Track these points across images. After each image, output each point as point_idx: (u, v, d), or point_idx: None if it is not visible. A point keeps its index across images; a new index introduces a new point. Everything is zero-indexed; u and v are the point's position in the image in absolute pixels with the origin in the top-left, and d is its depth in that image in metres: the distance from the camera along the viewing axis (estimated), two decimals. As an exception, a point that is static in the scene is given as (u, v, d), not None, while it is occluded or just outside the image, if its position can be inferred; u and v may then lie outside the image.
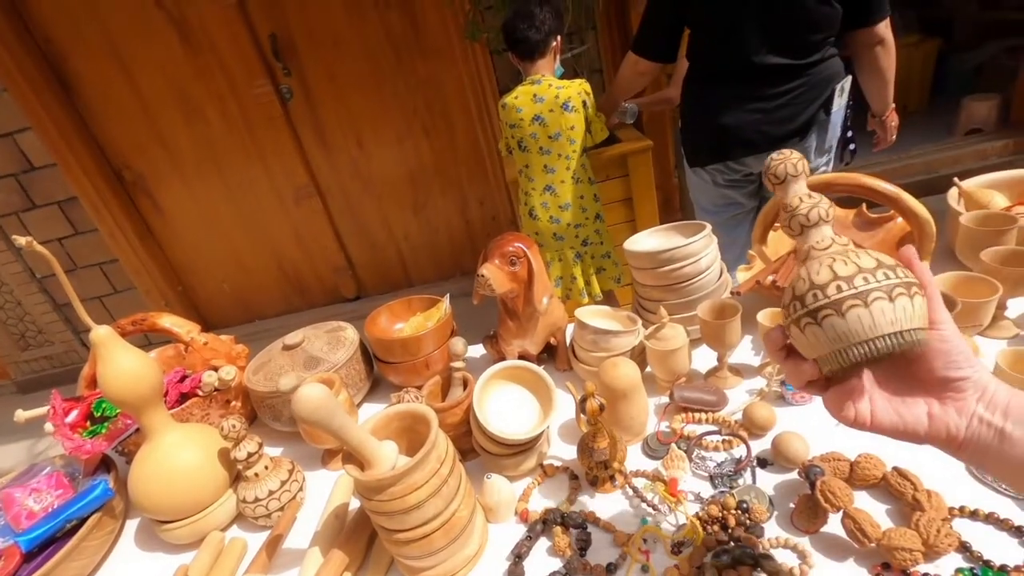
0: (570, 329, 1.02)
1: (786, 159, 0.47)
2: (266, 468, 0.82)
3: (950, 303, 0.75)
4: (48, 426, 0.87)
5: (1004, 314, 0.85)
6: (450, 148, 2.89)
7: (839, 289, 0.38)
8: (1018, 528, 0.59)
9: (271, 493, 0.81)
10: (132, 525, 0.91)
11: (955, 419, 0.39)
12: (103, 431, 0.90)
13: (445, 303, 1.07)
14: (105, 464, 0.93)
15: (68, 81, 2.62)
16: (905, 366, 0.42)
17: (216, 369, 0.96)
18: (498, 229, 3.09)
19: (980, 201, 0.98)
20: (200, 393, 0.95)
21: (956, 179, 1.04)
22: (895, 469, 0.65)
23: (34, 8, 2.47)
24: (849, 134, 1.62)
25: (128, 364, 0.74)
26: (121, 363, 0.74)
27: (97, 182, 2.72)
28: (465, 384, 0.87)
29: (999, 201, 0.97)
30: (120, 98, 2.66)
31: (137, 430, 0.90)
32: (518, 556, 0.69)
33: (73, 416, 0.89)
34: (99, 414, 0.92)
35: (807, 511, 0.65)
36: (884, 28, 1.42)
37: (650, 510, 0.72)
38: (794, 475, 0.71)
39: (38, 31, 2.51)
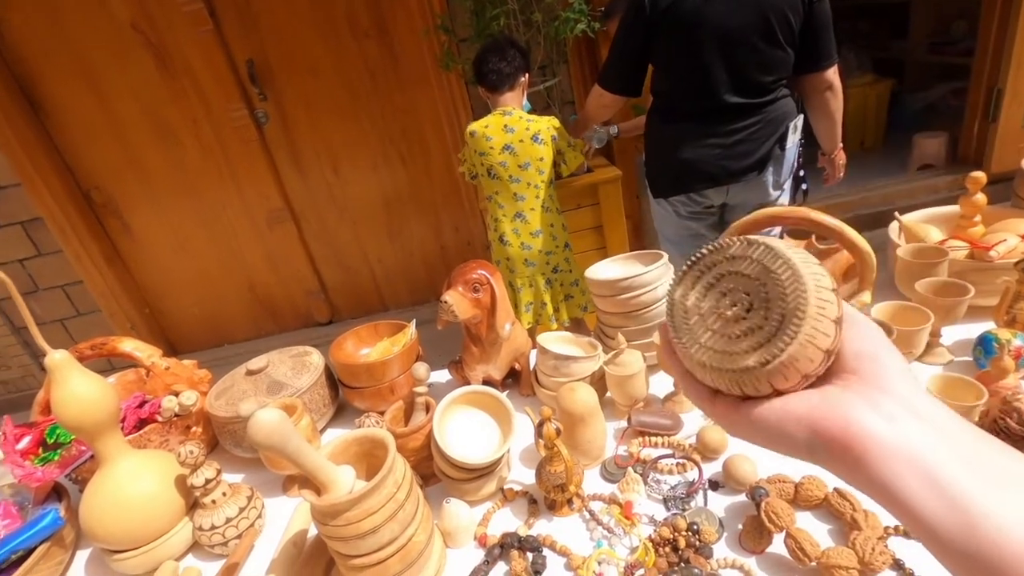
0: (534, 355, 1.04)
1: None
2: (224, 495, 0.82)
3: (886, 330, 0.79)
4: (-2, 453, 0.85)
5: (939, 341, 0.90)
6: (425, 175, 2.92)
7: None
8: (947, 546, 0.62)
9: (228, 520, 0.80)
10: (83, 556, 0.88)
11: (857, 409, 0.26)
12: (56, 458, 0.88)
13: (411, 328, 1.08)
14: (57, 492, 0.91)
15: (39, 102, 2.59)
16: None
17: (177, 394, 0.95)
18: (473, 254, 3.12)
19: (917, 235, 1.04)
20: (159, 419, 0.94)
21: (897, 214, 1.11)
22: (836, 490, 0.69)
23: (6, 30, 2.45)
24: (801, 173, 1.71)
25: (83, 389, 0.74)
26: (76, 388, 0.73)
27: (64, 203, 2.67)
28: (428, 409, 0.88)
29: (935, 235, 1.04)
30: (92, 120, 2.64)
31: (91, 457, 0.88)
32: (475, 581, 0.69)
33: (25, 443, 0.88)
34: (52, 441, 0.90)
35: (753, 532, 0.67)
36: (832, 74, 1.51)
37: (606, 533, 0.73)
38: (743, 497, 0.74)
39: (9, 52, 2.49)
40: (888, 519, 0.66)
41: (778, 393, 0.30)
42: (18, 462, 0.83)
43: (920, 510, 0.23)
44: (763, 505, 0.66)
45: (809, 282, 0.28)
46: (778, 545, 0.66)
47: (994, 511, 0.22)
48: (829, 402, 0.27)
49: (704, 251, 0.32)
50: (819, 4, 1.42)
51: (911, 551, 0.63)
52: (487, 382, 1.01)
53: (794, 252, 0.30)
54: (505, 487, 0.83)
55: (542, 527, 0.77)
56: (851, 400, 0.27)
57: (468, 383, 1.00)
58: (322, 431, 1.04)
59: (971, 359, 0.87)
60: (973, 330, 0.88)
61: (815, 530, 0.66)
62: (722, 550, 0.68)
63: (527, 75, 1.83)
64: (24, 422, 0.93)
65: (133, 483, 0.79)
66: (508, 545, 0.72)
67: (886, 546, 0.61)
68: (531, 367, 1.03)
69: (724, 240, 0.32)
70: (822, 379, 0.29)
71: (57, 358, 0.73)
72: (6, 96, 2.48)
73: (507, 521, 0.79)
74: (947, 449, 0.24)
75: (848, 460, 0.26)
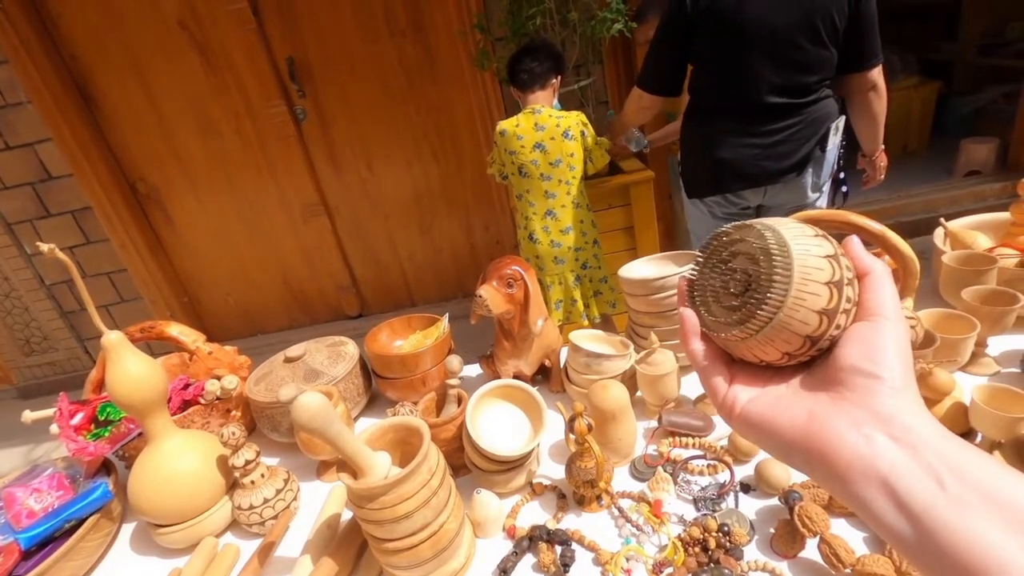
0: (565, 352, 1.05)
1: None
2: (262, 476, 0.85)
3: (930, 339, 0.77)
4: (54, 427, 0.90)
5: (985, 351, 0.87)
6: (457, 173, 2.95)
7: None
8: (990, 559, 0.61)
9: (266, 501, 0.83)
10: (128, 529, 0.92)
11: (840, 428, 0.28)
12: (106, 435, 0.92)
13: (444, 322, 1.10)
14: (106, 467, 0.96)
15: (90, 96, 2.71)
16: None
17: (219, 378, 0.99)
18: (501, 252, 3.14)
19: (964, 241, 1.01)
20: (202, 401, 0.97)
21: (942, 219, 1.08)
22: (872, 498, 0.67)
23: (62, 26, 2.57)
24: (841, 176, 1.67)
25: (136, 369, 0.77)
26: (130, 368, 0.77)
27: (111, 193, 2.79)
28: (459, 401, 0.89)
29: (982, 242, 1.01)
30: (139, 113, 2.75)
31: (139, 434, 0.92)
32: (503, 571, 0.70)
33: (78, 419, 0.92)
34: (103, 418, 0.95)
35: (786, 536, 0.67)
36: (877, 74, 1.48)
37: (634, 530, 0.73)
38: (775, 501, 0.73)
39: (65, 48, 2.61)
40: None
41: (763, 364, 0.34)
42: (72, 437, 0.88)
43: (889, 527, 0.26)
44: (797, 509, 0.65)
45: (795, 260, 0.30)
46: (811, 551, 0.66)
47: (956, 528, 0.24)
48: (818, 416, 0.30)
49: (712, 237, 0.36)
50: (866, 3, 1.39)
51: (951, 563, 0.61)
52: (518, 377, 1.02)
53: (788, 228, 0.32)
54: (534, 481, 0.84)
55: (570, 522, 0.77)
56: (836, 418, 0.29)
57: (499, 377, 1.01)
58: (355, 419, 1.07)
59: (1019, 371, 0.84)
60: (1022, 341, 0.85)
61: (850, 537, 0.65)
62: (753, 553, 0.68)
63: (559, 77, 1.84)
64: (77, 399, 0.97)
65: (178, 460, 0.82)
66: (537, 537, 0.73)
67: (925, 556, 0.60)
68: (561, 364, 1.03)
69: (728, 226, 0.35)
70: (822, 378, 0.31)
71: (113, 338, 0.77)
72: (61, 91, 2.59)
73: (535, 514, 0.80)
74: (919, 469, 0.26)
75: (829, 473, 0.28)
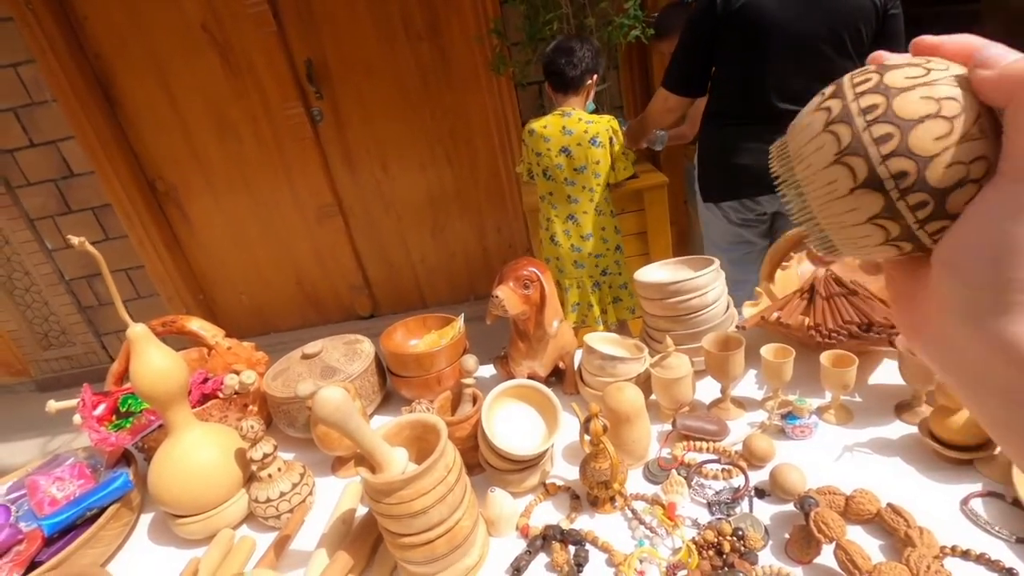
0: (579, 354, 1.05)
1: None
2: (279, 470, 0.86)
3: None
4: (77, 417, 0.92)
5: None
6: (471, 176, 2.97)
7: None
8: (1009, 570, 0.60)
9: (282, 495, 0.84)
10: (146, 519, 0.94)
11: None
12: (127, 425, 0.94)
13: (459, 322, 1.11)
14: (126, 458, 0.97)
15: (113, 95, 2.76)
16: None
17: (237, 373, 1.00)
18: (514, 256, 3.13)
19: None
20: (221, 395, 0.99)
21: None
22: (889, 505, 0.67)
23: (88, 26, 2.63)
24: None
25: (159, 361, 0.79)
26: (153, 360, 0.79)
27: (131, 191, 2.84)
28: (474, 400, 0.90)
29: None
30: (160, 113, 2.80)
31: (159, 426, 0.94)
32: (517, 569, 0.71)
33: (101, 410, 0.94)
34: (124, 409, 0.96)
35: (801, 541, 0.66)
36: None
37: (648, 532, 0.74)
38: (790, 507, 0.73)
39: (90, 47, 2.67)
40: (946, 539, 0.64)
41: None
42: (94, 427, 0.90)
43: None
44: (812, 514, 0.65)
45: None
46: (826, 557, 0.65)
47: None
48: None
49: None
50: (893, 17, 1.39)
51: (970, 572, 0.61)
52: (532, 378, 1.03)
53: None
54: (548, 481, 0.84)
55: (583, 522, 0.78)
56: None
57: (513, 378, 1.02)
58: (370, 417, 1.08)
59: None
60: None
61: (866, 544, 0.65)
62: (767, 558, 0.68)
63: (595, 77, 1.81)
64: (100, 391, 0.99)
65: (197, 452, 0.84)
66: (550, 537, 0.73)
67: (942, 565, 0.59)
68: (576, 366, 1.04)
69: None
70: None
71: (138, 331, 0.78)
72: (85, 90, 2.65)
73: (549, 514, 0.80)
74: None
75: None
